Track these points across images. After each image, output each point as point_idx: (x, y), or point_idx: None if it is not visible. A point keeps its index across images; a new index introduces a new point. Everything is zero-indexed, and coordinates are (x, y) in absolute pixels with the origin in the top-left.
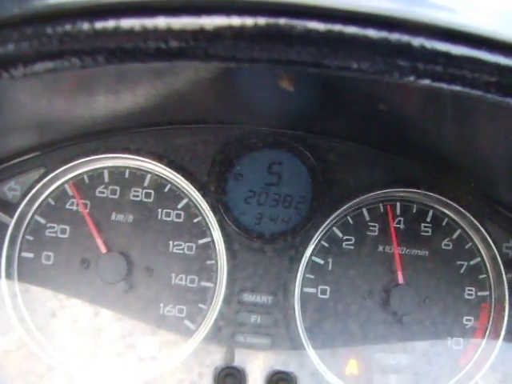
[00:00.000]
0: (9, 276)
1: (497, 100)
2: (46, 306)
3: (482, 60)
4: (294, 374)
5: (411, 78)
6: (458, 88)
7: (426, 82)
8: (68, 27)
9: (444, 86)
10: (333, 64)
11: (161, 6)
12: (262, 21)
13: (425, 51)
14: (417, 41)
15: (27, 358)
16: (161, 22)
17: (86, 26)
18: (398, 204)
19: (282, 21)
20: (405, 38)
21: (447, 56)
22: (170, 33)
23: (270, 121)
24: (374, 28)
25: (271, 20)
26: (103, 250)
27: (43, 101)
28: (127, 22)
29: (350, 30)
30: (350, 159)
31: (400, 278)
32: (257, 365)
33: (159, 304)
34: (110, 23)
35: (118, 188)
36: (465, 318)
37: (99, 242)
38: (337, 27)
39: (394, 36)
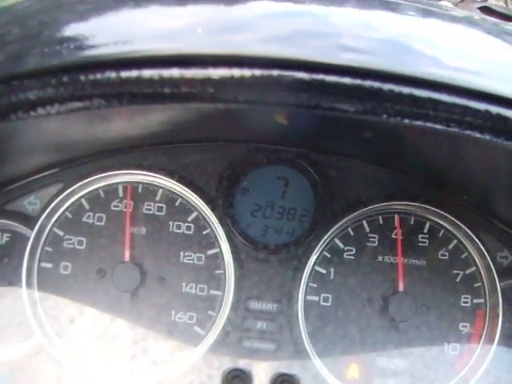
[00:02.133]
0: (29, 285)
1: (456, 132)
2: (65, 312)
3: (439, 101)
4: (297, 377)
5: (384, 117)
6: (421, 123)
7: (397, 119)
8: (98, 76)
9: (412, 122)
10: (317, 105)
11: (175, 60)
12: (258, 72)
13: (393, 94)
14: (386, 86)
15: (46, 362)
16: (175, 72)
17: (113, 74)
18: (396, 216)
19: (274, 72)
20: (376, 84)
21: (412, 98)
22: (182, 81)
23: (275, 139)
24: (350, 77)
25: (265, 72)
26: (127, 258)
27: (65, 128)
28: (147, 72)
29: (331, 78)
30: (350, 174)
31: (401, 286)
32: (262, 367)
33: (171, 311)
34: (134, 73)
35: (131, 202)
36: (461, 324)
37: (127, 251)
38: (319, 77)
39: (367, 83)
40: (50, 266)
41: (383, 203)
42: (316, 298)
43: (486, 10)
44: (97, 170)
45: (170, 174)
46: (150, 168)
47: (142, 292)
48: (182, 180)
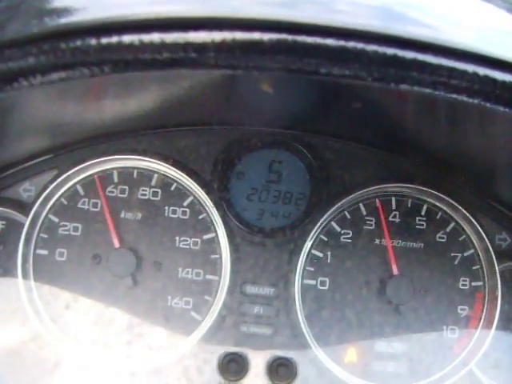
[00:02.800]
0: (25, 272)
1: (443, 96)
2: (60, 299)
3: (425, 62)
4: (294, 360)
5: (369, 80)
6: (407, 87)
7: (382, 83)
8: (78, 43)
9: (398, 86)
10: (300, 69)
11: (155, 24)
12: (238, 35)
13: (377, 56)
14: (369, 47)
15: (42, 348)
16: (155, 36)
17: (93, 41)
18: (393, 199)
19: (255, 34)
20: (359, 45)
21: (396, 59)
22: (163, 46)
23: (269, 121)
24: (332, 38)
25: (246, 34)
26: (116, 244)
27: (55, 107)
28: (128, 38)
29: (313, 40)
30: (345, 157)
31: (394, 270)
32: (259, 351)
33: (167, 296)
34: (114, 39)
35: (126, 187)
36: (459, 307)
37: (114, 236)
38: (301, 38)
39: (350, 44)
40: (45, 252)
41: (379, 185)
42: (313, 282)
43: None
44: (91, 156)
45: (165, 159)
46: (144, 153)
47: (138, 277)
48: (176, 164)
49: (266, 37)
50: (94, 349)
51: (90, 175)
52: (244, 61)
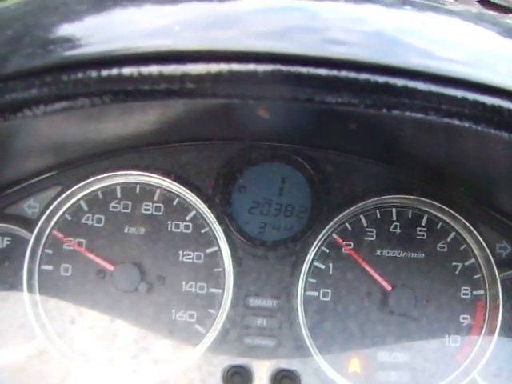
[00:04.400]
0: (30, 288)
1: (434, 120)
2: (66, 314)
3: (415, 89)
4: (297, 372)
5: (361, 107)
6: (398, 113)
7: (375, 110)
8: (80, 75)
9: (390, 112)
10: (294, 97)
11: (154, 56)
12: (234, 66)
13: (369, 84)
14: (361, 76)
15: (49, 363)
16: (154, 69)
17: (94, 73)
18: (394, 210)
19: (250, 66)
20: (351, 74)
21: (388, 87)
22: (161, 77)
23: (270, 136)
24: (325, 68)
25: (241, 66)
26: (110, 267)
27: (58, 129)
28: (127, 70)
29: (307, 70)
30: (345, 169)
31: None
32: (262, 364)
33: (171, 310)
34: (114, 71)
35: (129, 203)
36: (461, 316)
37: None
38: (295, 69)
39: (342, 74)
40: (50, 268)
41: (380, 197)
42: (315, 294)
43: (485, 3)
44: (94, 172)
45: (167, 174)
46: (146, 168)
47: (142, 292)
48: (178, 179)
49: (261, 68)
50: (100, 364)
51: (94, 191)
52: (240, 91)
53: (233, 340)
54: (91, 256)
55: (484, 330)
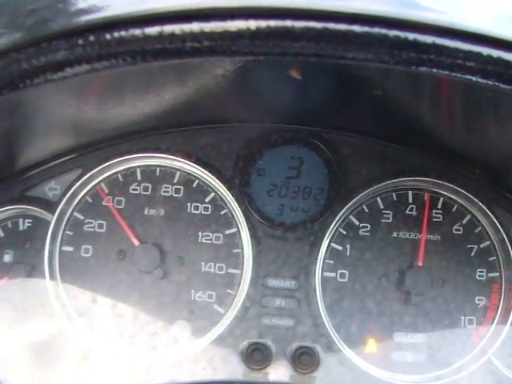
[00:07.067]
0: (51, 268)
1: (459, 78)
2: (87, 293)
3: (443, 45)
4: (316, 349)
5: (391, 63)
6: (426, 69)
7: (404, 66)
8: (123, 33)
9: (418, 68)
10: (329, 54)
11: (195, 14)
12: (272, 23)
13: (399, 40)
14: (392, 32)
15: (69, 341)
16: (195, 26)
17: (137, 31)
18: (410, 192)
19: (287, 22)
20: (383, 30)
21: (417, 43)
22: (202, 34)
23: (288, 118)
24: (358, 24)
25: (279, 22)
26: (136, 242)
27: (78, 106)
28: (169, 28)
29: (341, 26)
30: (362, 151)
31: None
32: (281, 341)
33: (191, 290)
34: (156, 29)
35: (149, 185)
36: (477, 297)
37: (131, 235)
38: (330, 25)
39: (375, 30)
40: (71, 249)
41: (396, 179)
42: (333, 275)
43: None
44: (115, 155)
45: (187, 156)
46: (167, 150)
47: (162, 272)
48: (198, 161)
49: (298, 24)
50: (120, 341)
51: (114, 173)
52: (277, 47)
53: (252, 318)
54: (123, 224)
55: (499, 311)
